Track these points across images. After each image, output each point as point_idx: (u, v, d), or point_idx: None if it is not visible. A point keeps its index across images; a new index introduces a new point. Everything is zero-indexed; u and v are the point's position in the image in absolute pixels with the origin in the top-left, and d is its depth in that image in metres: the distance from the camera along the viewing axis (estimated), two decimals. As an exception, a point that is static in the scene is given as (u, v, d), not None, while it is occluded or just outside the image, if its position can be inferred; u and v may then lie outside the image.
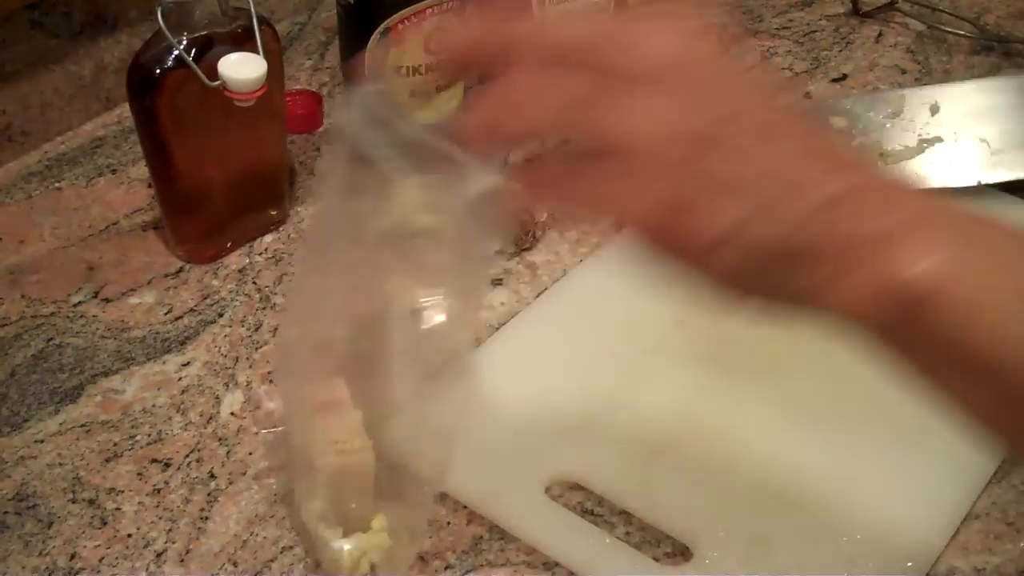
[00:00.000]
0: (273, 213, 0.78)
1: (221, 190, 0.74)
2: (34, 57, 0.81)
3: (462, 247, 0.54)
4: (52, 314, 0.71)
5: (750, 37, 0.98)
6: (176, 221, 0.74)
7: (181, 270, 0.75)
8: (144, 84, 0.68)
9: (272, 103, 0.72)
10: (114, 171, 0.83)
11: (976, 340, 0.38)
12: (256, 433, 0.64)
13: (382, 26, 0.75)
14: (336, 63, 0.92)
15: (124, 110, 0.88)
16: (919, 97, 0.84)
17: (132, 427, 0.65)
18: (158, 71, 0.67)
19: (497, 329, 0.69)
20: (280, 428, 0.63)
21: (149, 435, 0.64)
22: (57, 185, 0.81)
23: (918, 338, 0.40)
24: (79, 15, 0.83)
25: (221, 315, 0.72)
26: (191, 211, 0.74)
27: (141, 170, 0.82)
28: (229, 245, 0.76)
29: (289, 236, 0.78)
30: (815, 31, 1.00)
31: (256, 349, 0.69)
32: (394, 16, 0.75)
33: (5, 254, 0.76)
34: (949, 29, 0.99)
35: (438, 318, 0.55)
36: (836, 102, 0.86)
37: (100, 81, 0.87)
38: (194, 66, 0.66)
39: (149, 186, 0.81)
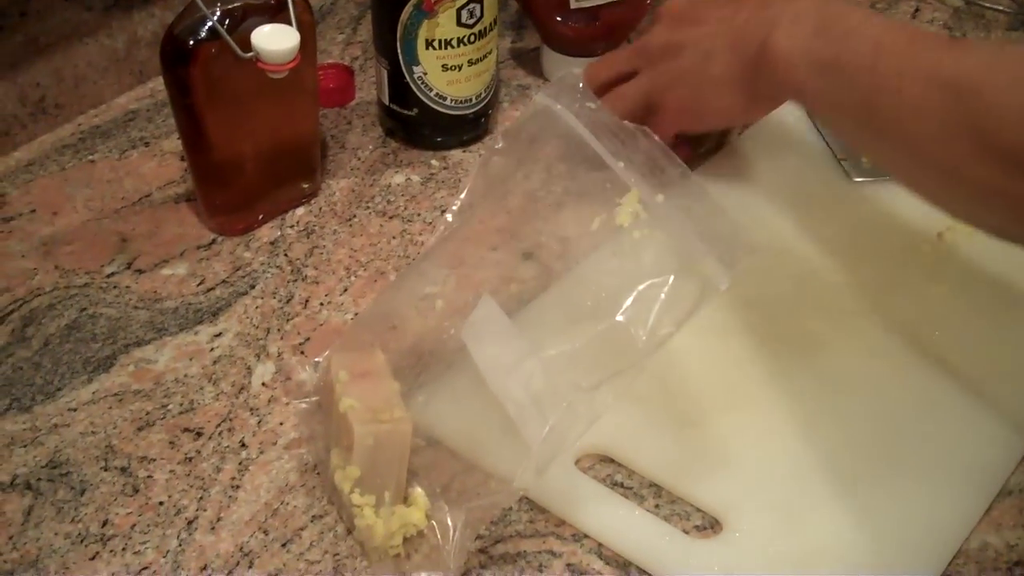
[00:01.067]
0: (305, 186, 0.78)
1: (253, 162, 0.74)
2: (68, 30, 0.82)
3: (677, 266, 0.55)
4: (85, 285, 0.72)
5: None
6: (208, 193, 0.75)
7: (213, 242, 0.75)
8: (178, 55, 0.68)
9: (304, 76, 0.72)
10: (147, 144, 0.83)
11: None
12: (287, 404, 0.64)
13: (415, -2, 0.75)
14: (368, 37, 0.92)
15: (157, 83, 0.88)
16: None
17: (164, 396, 0.65)
18: (192, 42, 0.68)
19: (528, 303, 0.69)
20: (313, 398, 0.63)
21: (181, 404, 0.64)
22: (90, 158, 0.82)
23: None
24: (112, -13, 0.83)
25: (253, 287, 0.72)
26: (223, 183, 0.74)
27: (174, 143, 0.83)
28: (261, 218, 0.76)
29: (320, 209, 0.78)
30: (851, 6, 0.99)
31: (287, 320, 0.69)
32: (427, -12, 0.74)
33: (39, 225, 0.76)
34: (987, 4, 0.98)
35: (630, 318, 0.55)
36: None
37: (133, 54, 0.87)
38: (227, 37, 0.66)
39: (182, 159, 0.81)
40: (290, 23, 0.68)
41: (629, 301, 0.54)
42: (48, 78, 0.82)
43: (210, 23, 0.67)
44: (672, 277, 0.54)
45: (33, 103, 0.82)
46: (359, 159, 0.82)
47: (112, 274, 0.72)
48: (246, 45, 0.67)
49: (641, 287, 0.54)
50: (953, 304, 0.69)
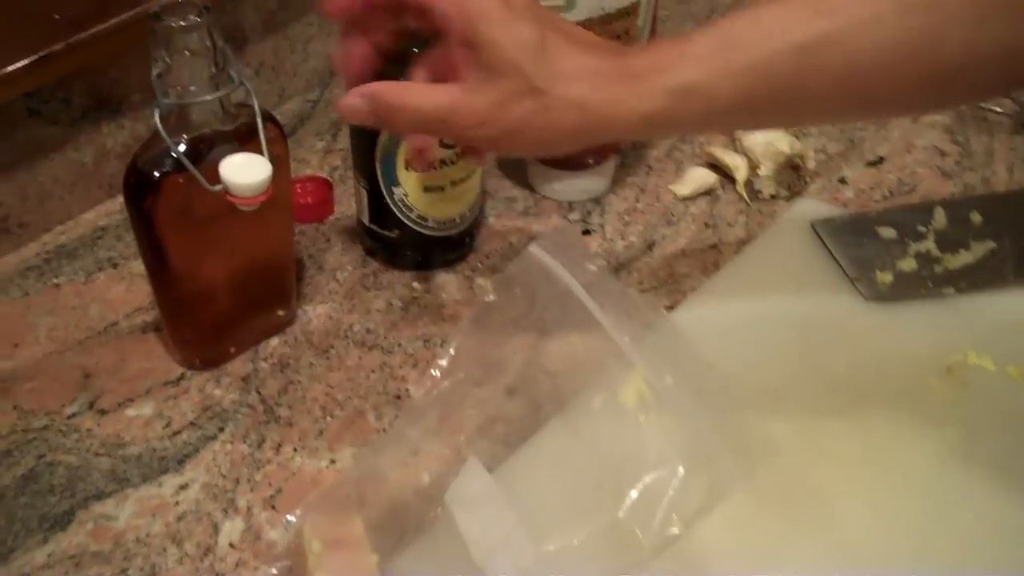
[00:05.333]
0: (280, 314, 0.74)
1: (224, 293, 0.70)
2: (32, 146, 0.78)
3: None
4: (44, 427, 0.67)
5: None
6: (177, 327, 0.71)
7: (182, 377, 0.71)
8: (142, 188, 0.64)
9: (279, 200, 0.68)
10: (115, 265, 0.79)
11: None
12: (256, 568, 0.60)
13: (395, 120, 0.71)
14: (349, 144, 0.89)
15: (127, 197, 0.85)
16: (955, 210, 0.81)
17: (124, 559, 0.60)
18: (156, 175, 0.63)
19: (516, 446, 0.65)
20: (284, 563, 0.58)
21: (142, 569, 0.60)
22: (55, 281, 0.78)
23: None
24: (79, 100, 0.79)
25: (222, 429, 0.68)
26: (192, 316, 0.70)
27: (143, 264, 0.79)
28: (233, 350, 0.72)
29: (296, 339, 0.74)
30: (849, 109, 0.96)
31: (258, 469, 0.65)
32: (407, 110, 0.71)
33: (-2, 359, 0.72)
34: (989, 107, 0.95)
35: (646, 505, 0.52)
36: (881, 213, 0.81)
37: (102, 167, 0.83)
38: (195, 171, 0.62)
39: (151, 282, 0.77)
40: (261, 151, 0.64)
41: (634, 494, 0.50)
42: (11, 196, 0.78)
43: (175, 155, 0.63)
44: (681, 470, 0.50)
45: (-5, 223, 0.78)
46: (337, 281, 0.78)
47: (73, 415, 0.68)
48: (215, 175, 0.63)
49: (647, 479, 0.50)
50: (965, 452, 0.65)
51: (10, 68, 0.72)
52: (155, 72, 0.62)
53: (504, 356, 0.59)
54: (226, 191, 0.63)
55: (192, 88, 0.62)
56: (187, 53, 0.61)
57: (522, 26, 0.57)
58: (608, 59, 0.59)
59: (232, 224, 0.66)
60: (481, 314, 0.59)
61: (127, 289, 0.77)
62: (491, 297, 0.59)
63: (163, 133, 0.62)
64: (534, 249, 0.58)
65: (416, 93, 0.58)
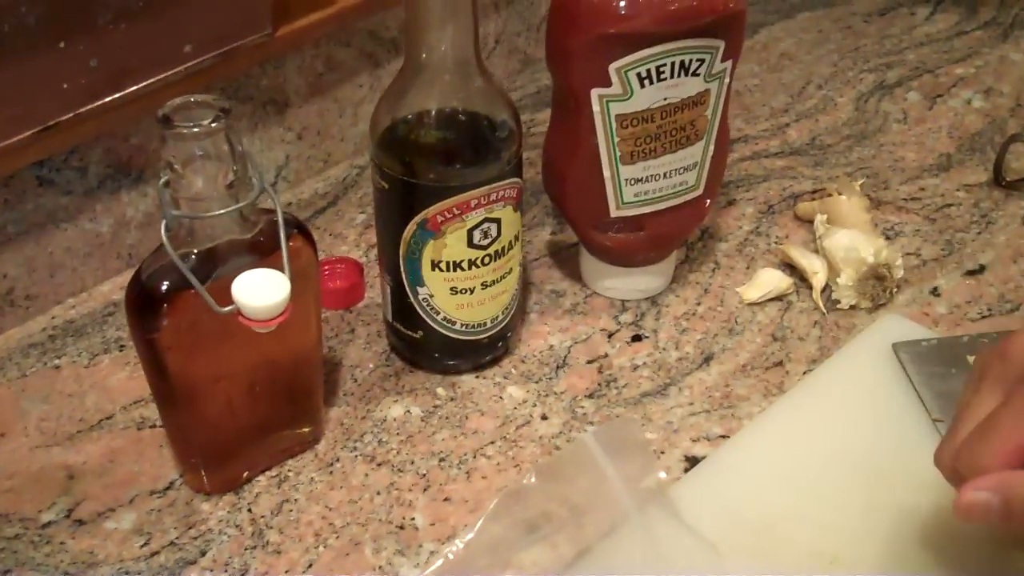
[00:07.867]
0: (306, 431, 0.67)
1: (240, 412, 0.62)
2: (43, 216, 0.73)
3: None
4: (16, 537, 0.62)
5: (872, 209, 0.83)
6: (184, 449, 0.63)
7: (170, 487, 0.65)
8: (144, 304, 0.57)
9: (302, 316, 0.60)
10: (121, 348, 0.73)
11: None
12: None
13: (419, 216, 0.64)
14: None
15: (148, 268, 0.79)
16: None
17: None
18: (163, 289, 0.56)
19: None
20: None
21: None
22: (56, 362, 0.72)
23: None
24: (96, 168, 0.74)
25: (203, 553, 0.61)
26: (202, 438, 0.62)
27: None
28: (246, 474, 0.65)
29: (316, 454, 0.67)
30: (950, 204, 0.85)
31: (236, 606, 0.59)
32: (433, 207, 0.63)
33: (-20, 451, 0.67)
34: (1114, 210, 0.83)
35: None
36: (973, 339, 0.71)
37: (121, 237, 0.78)
38: (203, 291, 0.55)
39: (157, 369, 0.71)
40: (282, 267, 0.56)
41: None
42: (17, 268, 0.73)
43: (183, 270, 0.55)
44: None
45: (0, 295, 0.73)
46: (355, 380, 0.71)
47: (48, 524, 0.62)
48: (228, 291, 0.55)
49: None
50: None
51: (14, 139, 0.67)
52: (162, 180, 0.55)
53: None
54: (238, 312, 0.56)
55: (205, 200, 0.55)
56: (201, 160, 0.54)
57: None
58: None
59: (249, 340, 0.58)
60: (509, 500, 0.52)
61: (129, 376, 0.71)
62: (532, 479, 0.52)
63: (168, 248, 0.55)
64: (589, 440, 0.51)
65: None
